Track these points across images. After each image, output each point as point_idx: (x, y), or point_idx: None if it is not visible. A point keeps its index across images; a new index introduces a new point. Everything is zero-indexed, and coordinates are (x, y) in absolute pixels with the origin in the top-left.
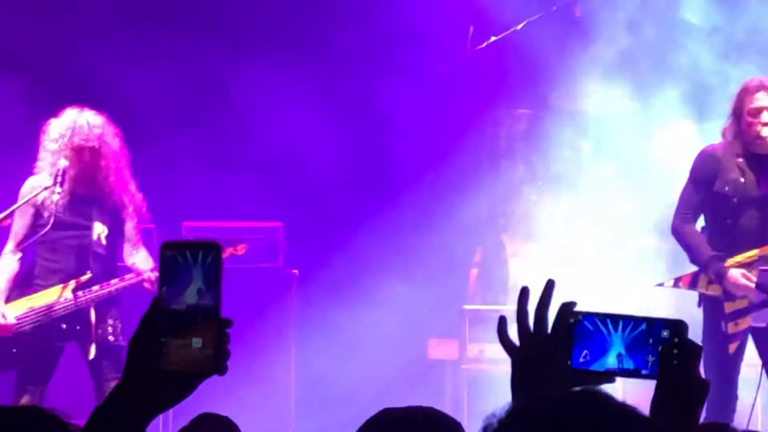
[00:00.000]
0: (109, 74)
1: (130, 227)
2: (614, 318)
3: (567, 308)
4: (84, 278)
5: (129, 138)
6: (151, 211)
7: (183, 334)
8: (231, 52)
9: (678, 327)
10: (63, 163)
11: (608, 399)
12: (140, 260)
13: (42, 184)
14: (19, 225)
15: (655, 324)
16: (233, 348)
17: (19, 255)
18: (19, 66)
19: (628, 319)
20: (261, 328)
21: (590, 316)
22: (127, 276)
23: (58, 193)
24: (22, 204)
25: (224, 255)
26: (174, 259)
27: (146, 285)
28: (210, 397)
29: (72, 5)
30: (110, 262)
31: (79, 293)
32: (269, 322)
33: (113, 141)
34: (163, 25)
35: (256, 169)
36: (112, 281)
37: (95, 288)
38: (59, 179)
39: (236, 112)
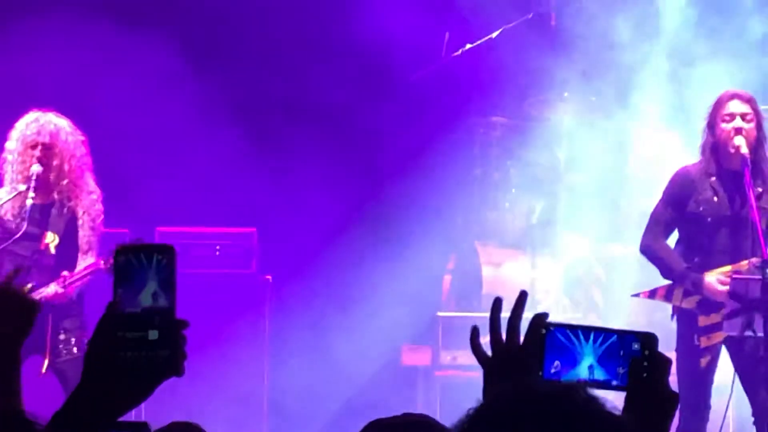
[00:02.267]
0: (82, 80)
1: (83, 236)
2: (585, 330)
3: (539, 319)
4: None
5: (102, 143)
6: (124, 217)
7: (139, 337)
8: (206, 55)
9: (648, 339)
10: (36, 168)
11: (583, 395)
12: (80, 267)
13: (7, 194)
14: None
15: (626, 336)
16: (205, 354)
17: None
18: None
19: (599, 331)
20: (233, 334)
21: (562, 327)
22: (45, 287)
23: (32, 197)
24: None
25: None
26: (128, 262)
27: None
28: (181, 404)
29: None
30: (58, 272)
31: None
32: (242, 328)
33: (72, 143)
34: (136, 31)
35: (230, 174)
36: (42, 289)
37: None
38: (32, 184)
39: (208, 117)
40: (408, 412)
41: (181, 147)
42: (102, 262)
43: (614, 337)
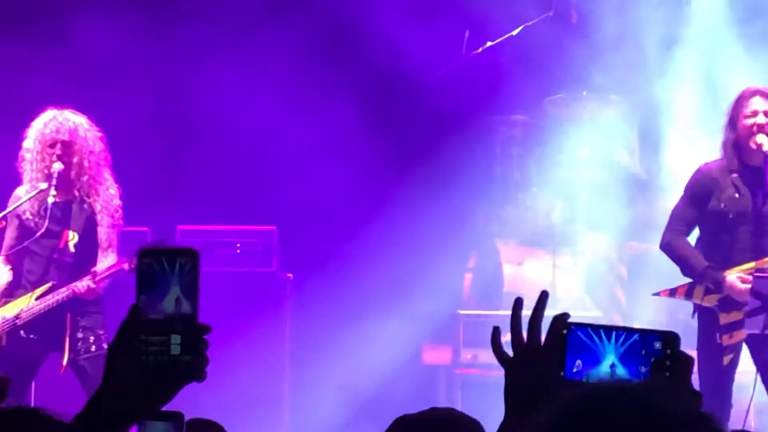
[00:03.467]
0: (99, 77)
1: (102, 233)
2: (607, 329)
3: (561, 319)
4: (43, 288)
5: (121, 141)
6: (145, 215)
7: (162, 342)
8: (219, 56)
9: (670, 339)
10: (57, 166)
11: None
12: (105, 264)
13: (26, 192)
14: (7, 233)
15: (647, 335)
16: (226, 352)
17: (8, 265)
18: None
19: (620, 330)
20: (254, 332)
21: (583, 326)
22: (78, 282)
23: (53, 195)
24: (13, 209)
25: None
26: (151, 266)
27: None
28: (201, 402)
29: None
30: (77, 270)
31: (36, 302)
32: (263, 326)
33: (91, 140)
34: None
35: (251, 173)
36: (62, 289)
37: (48, 296)
38: (54, 182)
39: (230, 116)
40: (435, 407)
41: (201, 144)
42: (126, 264)
43: (636, 336)
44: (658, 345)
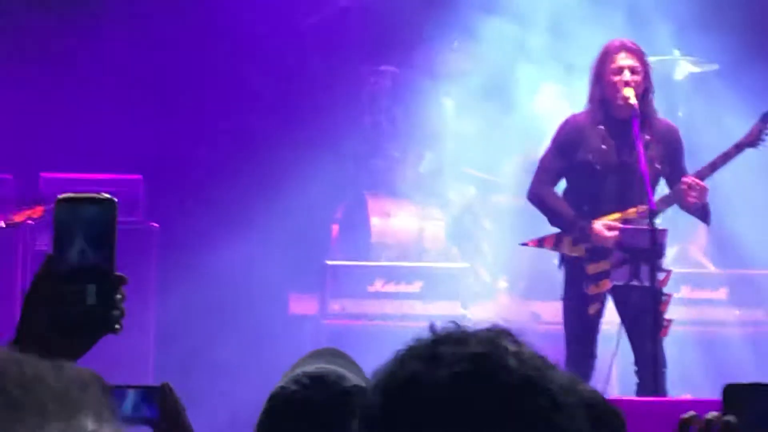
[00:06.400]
0: None
1: None
2: None
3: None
4: None
5: None
6: (8, 161)
7: (77, 292)
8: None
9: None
10: None
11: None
12: None
13: None
14: None
15: None
16: None
17: None
18: None
19: None
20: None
21: None
22: None
23: None
24: None
25: (19, 218)
26: (66, 215)
27: None
28: None
29: None
30: None
31: None
32: (128, 276)
33: None
34: None
35: (116, 120)
36: None
37: None
38: None
39: (96, 60)
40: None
41: (66, 92)
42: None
43: None
44: None
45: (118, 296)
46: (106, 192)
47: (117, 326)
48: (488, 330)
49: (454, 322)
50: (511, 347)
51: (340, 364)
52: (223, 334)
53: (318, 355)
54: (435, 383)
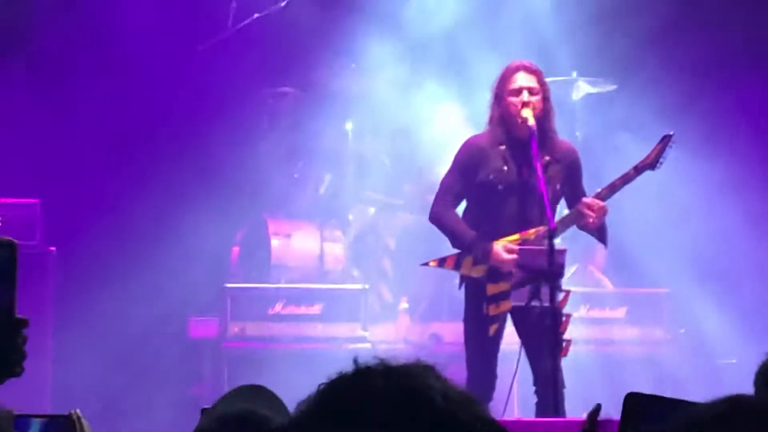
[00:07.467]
0: None
1: None
2: None
3: None
4: None
5: None
6: None
7: None
8: None
9: None
10: None
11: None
12: None
13: None
14: None
15: None
16: None
17: None
18: None
19: None
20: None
21: None
22: None
23: None
24: None
25: None
26: None
27: None
28: None
29: None
30: None
31: None
32: (25, 301)
33: None
34: None
35: (12, 144)
36: None
37: None
38: None
39: None
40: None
41: None
42: None
43: None
44: None
45: (19, 340)
46: (1, 216)
47: (18, 369)
48: (413, 365)
49: (377, 356)
50: (436, 383)
51: (261, 404)
52: (123, 358)
53: (239, 393)
54: (362, 417)
